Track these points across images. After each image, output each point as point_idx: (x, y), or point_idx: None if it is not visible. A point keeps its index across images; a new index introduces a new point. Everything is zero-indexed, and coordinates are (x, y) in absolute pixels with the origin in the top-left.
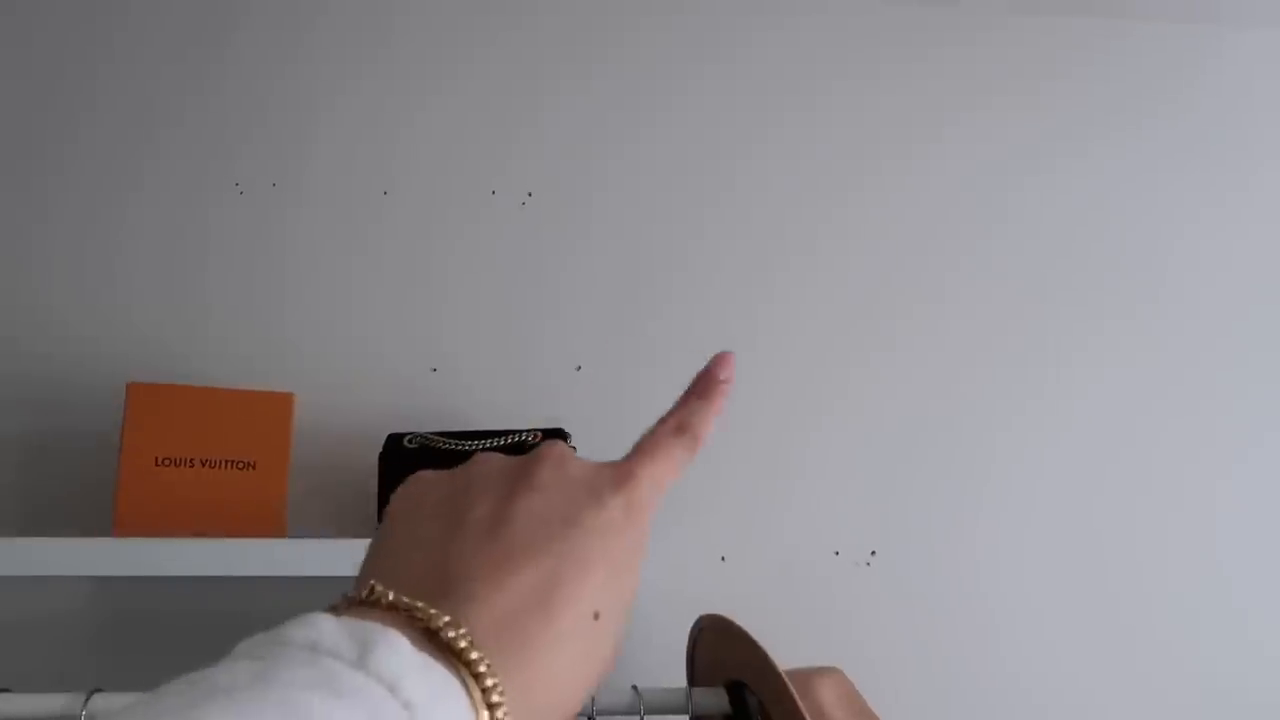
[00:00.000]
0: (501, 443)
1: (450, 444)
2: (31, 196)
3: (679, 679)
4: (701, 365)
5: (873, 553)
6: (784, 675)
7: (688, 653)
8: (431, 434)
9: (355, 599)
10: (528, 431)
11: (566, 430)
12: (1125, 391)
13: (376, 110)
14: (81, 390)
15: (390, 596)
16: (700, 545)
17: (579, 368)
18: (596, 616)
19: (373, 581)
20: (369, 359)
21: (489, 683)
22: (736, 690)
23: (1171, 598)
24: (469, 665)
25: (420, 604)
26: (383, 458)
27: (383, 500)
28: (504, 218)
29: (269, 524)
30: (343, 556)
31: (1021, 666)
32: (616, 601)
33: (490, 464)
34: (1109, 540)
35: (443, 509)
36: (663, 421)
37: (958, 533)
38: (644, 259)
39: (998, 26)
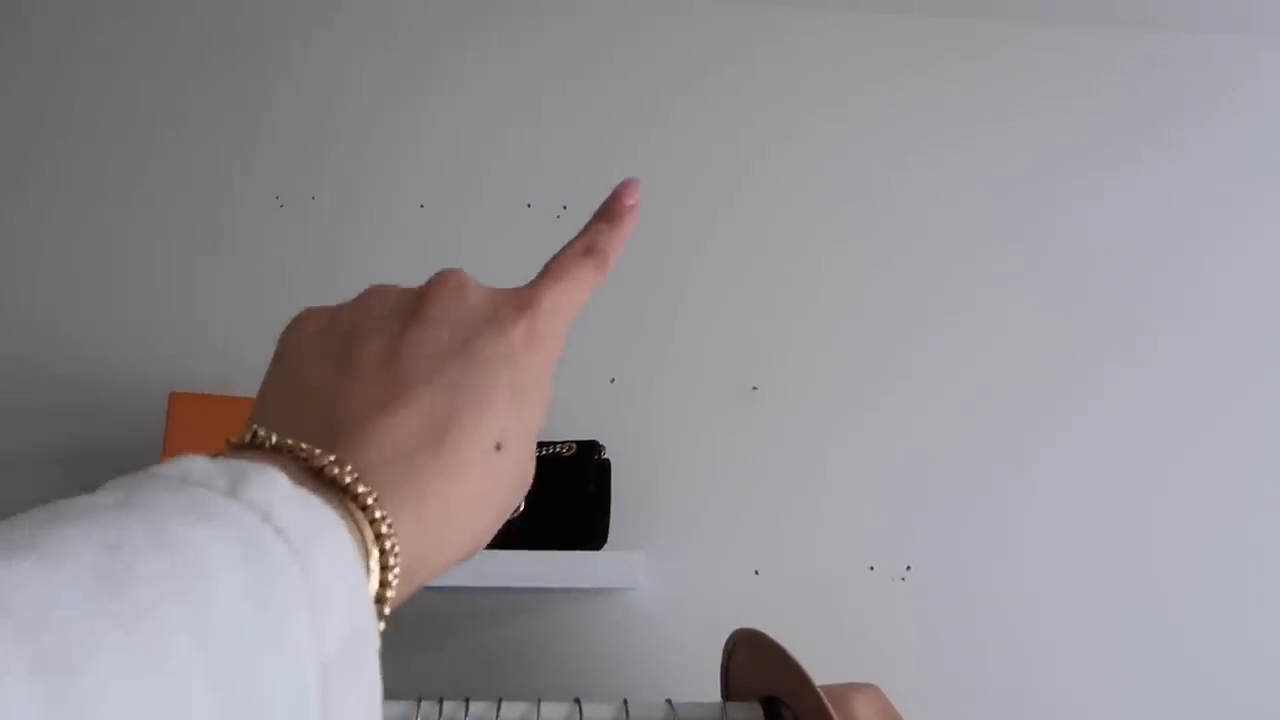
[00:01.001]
0: (536, 454)
1: None
2: (76, 210)
3: (710, 693)
4: (734, 374)
5: (908, 567)
6: (820, 691)
7: (722, 667)
8: None
9: (237, 444)
10: (562, 444)
11: (601, 442)
12: (1168, 402)
13: (413, 124)
14: (126, 399)
15: (274, 439)
16: (732, 558)
17: (613, 380)
18: (499, 447)
19: (255, 426)
20: None
21: (377, 514)
22: (771, 706)
23: (1216, 608)
24: (356, 499)
25: (305, 445)
26: None
27: None
28: (540, 231)
29: None
30: None
31: (1062, 685)
32: (520, 430)
33: (384, 297)
34: (1153, 554)
35: (331, 349)
36: (570, 245)
37: (996, 547)
38: (676, 271)
39: (1034, 36)
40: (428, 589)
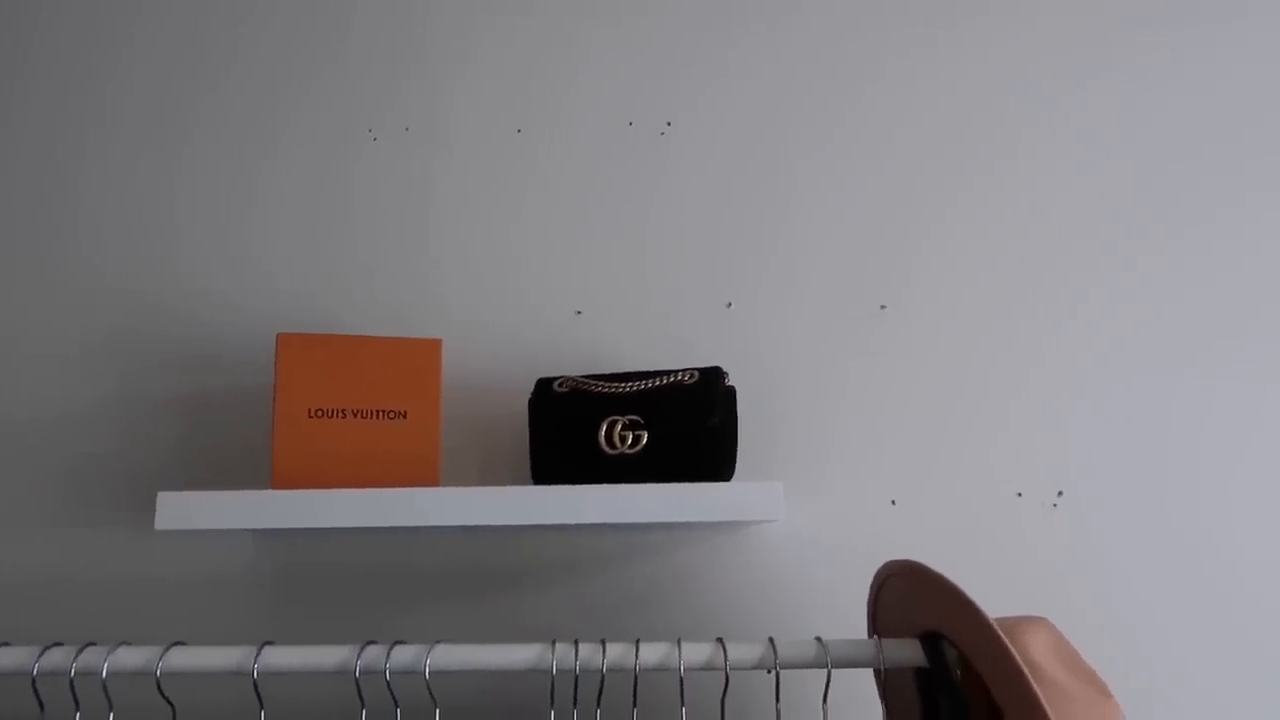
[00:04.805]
0: (658, 383)
1: (602, 387)
2: (170, 157)
3: (849, 630)
4: (859, 293)
5: (1060, 493)
6: (994, 625)
7: (869, 602)
8: (582, 377)
9: None
10: (684, 371)
11: (724, 369)
12: None
13: (505, 46)
14: (234, 347)
15: None
16: (866, 489)
17: (729, 305)
18: None
19: None
20: (511, 302)
21: None
22: (931, 642)
23: None
24: None
25: None
26: (533, 403)
27: (535, 445)
28: (643, 150)
29: (423, 473)
30: (497, 504)
31: (1228, 614)
32: None
33: None
34: None
35: None
36: None
37: (1155, 470)
38: (791, 186)
39: None
40: (555, 529)
